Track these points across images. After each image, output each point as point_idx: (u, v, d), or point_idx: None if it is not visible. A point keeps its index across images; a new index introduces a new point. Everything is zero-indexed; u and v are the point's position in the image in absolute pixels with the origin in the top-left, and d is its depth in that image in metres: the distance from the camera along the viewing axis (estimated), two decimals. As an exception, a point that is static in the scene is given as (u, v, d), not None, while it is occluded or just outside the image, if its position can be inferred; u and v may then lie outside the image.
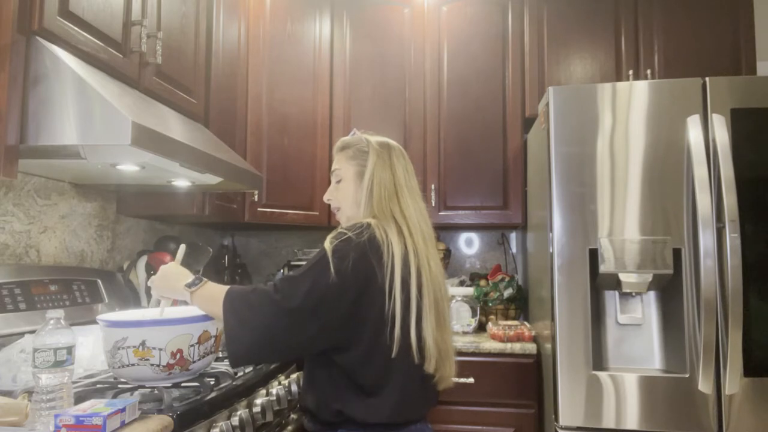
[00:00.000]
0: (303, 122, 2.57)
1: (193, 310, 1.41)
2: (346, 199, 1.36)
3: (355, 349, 1.19)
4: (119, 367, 1.25)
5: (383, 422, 1.20)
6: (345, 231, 1.22)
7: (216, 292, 1.25)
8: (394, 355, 1.18)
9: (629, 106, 1.83)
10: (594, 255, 1.80)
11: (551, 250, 1.86)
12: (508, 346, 2.13)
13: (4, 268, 1.49)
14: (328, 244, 1.20)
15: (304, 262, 2.57)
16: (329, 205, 1.44)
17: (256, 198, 2.34)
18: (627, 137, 1.82)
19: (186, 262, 2.13)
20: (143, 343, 1.22)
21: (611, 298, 1.91)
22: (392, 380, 1.20)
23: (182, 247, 1.47)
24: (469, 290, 2.46)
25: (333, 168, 1.40)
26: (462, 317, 2.37)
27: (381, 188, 1.29)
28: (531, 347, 2.11)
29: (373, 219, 1.26)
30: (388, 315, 1.18)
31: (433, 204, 2.57)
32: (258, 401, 1.48)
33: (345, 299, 1.17)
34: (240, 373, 1.53)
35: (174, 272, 1.34)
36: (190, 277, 1.30)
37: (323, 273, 1.16)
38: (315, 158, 2.59)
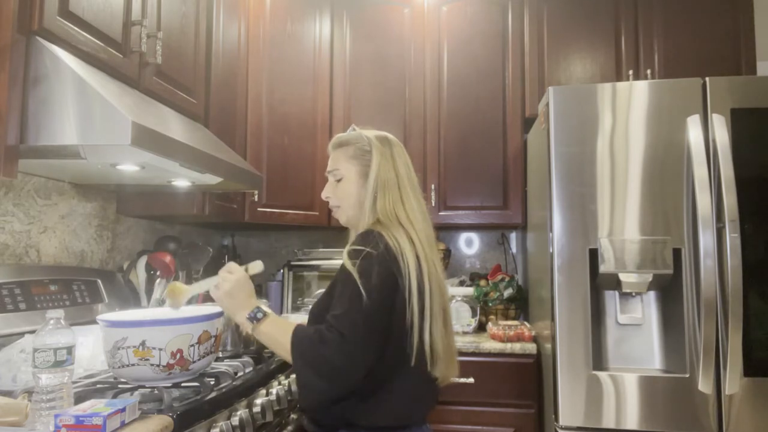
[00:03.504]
0: (303, 122, 2.57)
1: (193, 311, 1.41)
2: (348, 198, 1.34)
3: (381, 361, 1.18)
4: (119, 367, 1.25)
5: (387, 425, 1.20)
6: (362, 247, 1.19)
7: (279, 333, 1.22)
8: (413, 363, 1.19)
9: (629, 106, 1.83)
10: (594, 255, 1.80)
11: (551, 250, 1.86)
12: (508, 346, 2.13)
13: (4, 268, 1.49)
14: (350, 266, 1.18)
15: (304, 263, 2.60)
16: (329, 205, 1.42)
17: (256, 198, 2.34)
18: (627, 137, 1.82)
19: (186, 262, 2.13)
20: (143, 343, 1.22)
21: (611, 298, 1.91)
22: (400, 386, 1.20)
23: (258, 265, 1.38)
24: (469, 290, 2.46)
25: (331, 167, 1.37)
26: (462, 317, 2.37)
27: (386, 192, 1.28)
28: (531, 347, 2.11)
29: (379, 224, 1.24)
30: (408, 324, 1.18)
31: (433, 204, 2.57)
32: (258, 401, 1.48)
33: (382, 316, 1.16)
34: (240, 373, 1.53)
35: (241, 296, 1.28)
36: (252, 306, 1.26)
37: (360, 299, 1.14)
38: (315, 158, 2.59)
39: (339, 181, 1.35)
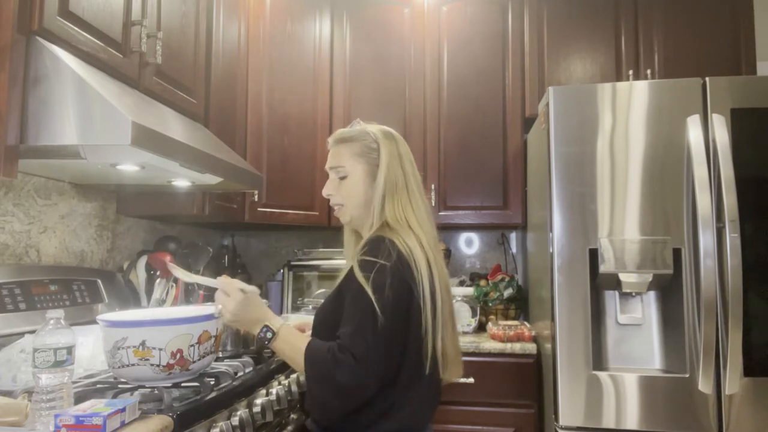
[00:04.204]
0: (303, 122, 2.57)
1: (193, 311, 1.41)
2: (355, 198, 1.29)
3: (398, 372, 1.17)
4: (119, 367, 1.25)
5: (398, 430, 1.19)
6: (374, 259, 1.15)
7: (292, 351, 1.21)
8: (427, 371, 1.17)
9: (629, 106, 1.83)
10: (594, 255, 1.80)
11: (551, 250, 1.86)
12: (508, 346, 2.13)
13: (4, 268, 1.49)
14: (363, 280, 1.14)
15: (304, 263, 2.60)
16: (329, 206, 1.39)
17: (256, 198, 2.34)
18: (627, 137, 1.82)
19: (186, 262, 2.13)
20: (143, 343, 1.22)
21: (611, 298, 1.91)
22: (415, 394, 1.19)
23: (254, 289, 1.32)
24: (469, 290, 2.46)
25: (334, 164, 1.32)
26: (462, 317, 2.37)
27: (395, 194, 1.25)
28: (531, 347, 2.11)
29: (389, 228, 1.21)
30: (423, 331, 1.17)
31: (433, 204, 2.57)
32: (258, 401, 1.48)
33: (396, 331, 1.15)
34: (240, 373, 1.53)
35: (246, 317, 1.26)
36: (260, 325, 1.24)
37: (374, 316, 1.11)
38: (315, 158, 2.59)
39: (343, 178, 1.31)
